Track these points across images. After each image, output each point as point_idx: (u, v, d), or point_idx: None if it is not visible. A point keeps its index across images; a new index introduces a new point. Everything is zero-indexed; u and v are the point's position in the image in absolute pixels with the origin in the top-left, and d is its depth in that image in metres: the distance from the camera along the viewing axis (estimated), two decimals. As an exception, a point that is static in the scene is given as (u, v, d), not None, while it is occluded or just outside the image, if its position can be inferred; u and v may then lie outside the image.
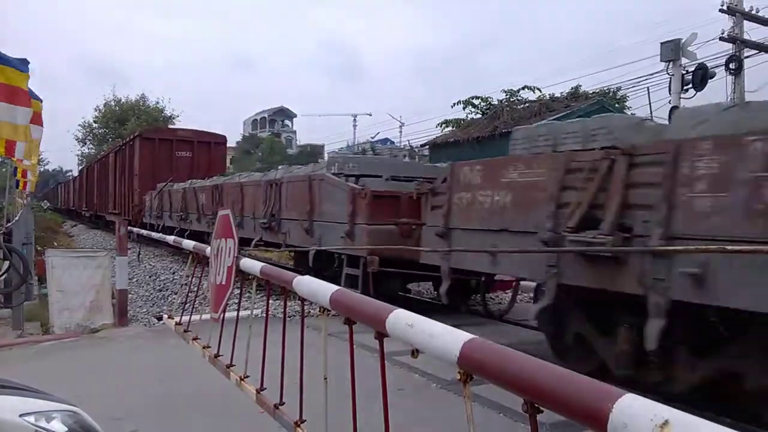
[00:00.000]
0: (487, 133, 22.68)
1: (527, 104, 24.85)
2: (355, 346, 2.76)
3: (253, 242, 11.54)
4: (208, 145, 23.87)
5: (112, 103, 52.37)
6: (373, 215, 9.10)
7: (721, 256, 4.30)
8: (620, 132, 6.01)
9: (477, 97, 28.27)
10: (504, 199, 6.70)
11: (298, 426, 3.13)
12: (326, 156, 56.57)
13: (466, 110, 28.59)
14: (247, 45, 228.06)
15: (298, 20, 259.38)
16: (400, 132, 59.84)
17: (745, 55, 19.63)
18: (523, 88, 26.81)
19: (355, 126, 73.25)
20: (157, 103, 53.06)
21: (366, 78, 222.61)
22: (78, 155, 56.06)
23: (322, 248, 9.76)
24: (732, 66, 19.08)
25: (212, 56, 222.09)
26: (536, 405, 1.45)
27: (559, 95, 25.79)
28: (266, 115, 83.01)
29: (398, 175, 10.48)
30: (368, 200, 9.08)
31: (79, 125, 53.14)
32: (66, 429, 2.19)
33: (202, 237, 13.57)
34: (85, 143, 53.95)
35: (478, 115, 27.66)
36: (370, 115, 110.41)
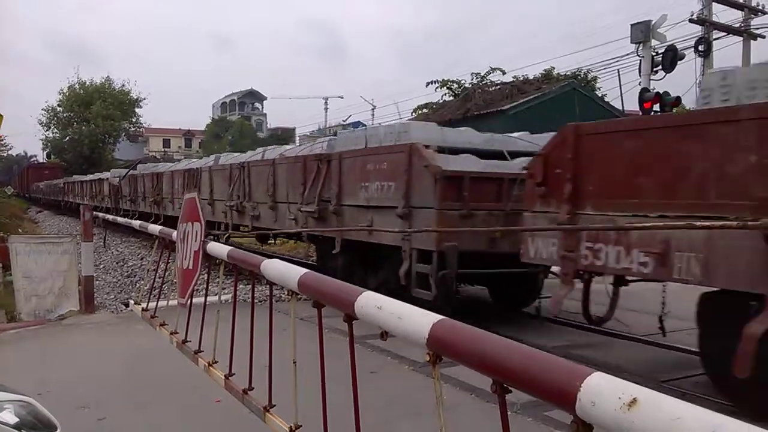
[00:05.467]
0: (460, 115, 22.67)
1: (499, 86, 24.87)
2: (326, 330, 2.73)
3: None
4: (54, 168, 51.28)
5: (77, 86, 51.21)
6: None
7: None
8: None
9: (452, 81, 28.28)
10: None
11: (268, 411, 3.09)
12: (297, 139, 56.15)
13: (440, 91, 28.63)
14: (222, 26, 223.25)
15: (279, 1, 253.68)
16: (372, 115, 59.54)
17: (714, 37, 19.86)
18: (489, 72, 26.88)
19: (326, 109, 72.81)
20: (123, 86, 52.11)
21: (344, 60, 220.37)
22: (42, 140, 54.88)
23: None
24: (701, 48, 19.30)
25: (188, 37, 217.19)
26: (505, 385, 1.43)
27: (532, 77, 25.86)
28: (235, 98, 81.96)
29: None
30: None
31: (43, 109, 51.93)
32: (17, 420, 2.12)
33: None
34: (50, 127, 52.71)
35: (451, 98, 27.65)
36: (342, 97, 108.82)
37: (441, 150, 8.09)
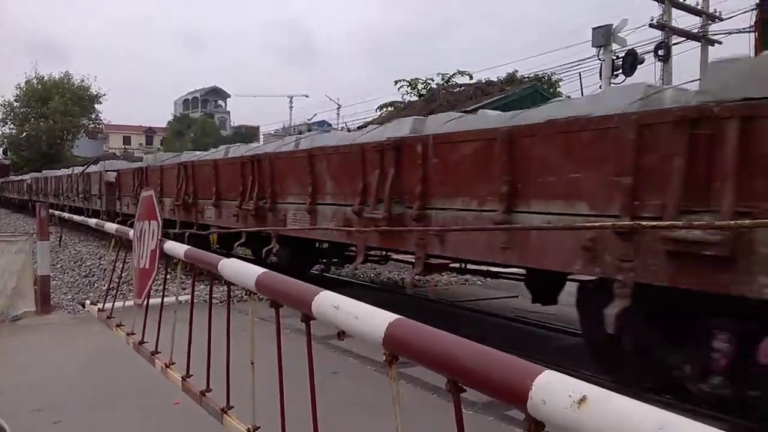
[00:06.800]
0: (424, 115, 22.73)
1: (463, 88, 25.06)
2: (287, 330, 2.70)
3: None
4: (4, 167, 50.07)
5: (34, 81, 49.94)
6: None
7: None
8: None
9: (417, 79, 28.53)
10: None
11: (225, 413, 3.05)
12: (261, 138, 55.70)
13: (401, 90, 28.82)
14: (190, 23, 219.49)
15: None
16: (338, 114, 59.43)
17: (673, 42, 20.30)
18: (455, 74, 27.18)
19: (291, 107, 72.59)
20: (83, 81, 50.99)
21: (313, 60, 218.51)
22: (-2, 136, 53.33)
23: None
24: (660, 53, 19.71)
25: (150, 33, 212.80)
26: (459, 383, 1.42)
27: (495, 79, 26.11)
28: (198, 95, 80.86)
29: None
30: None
31: (-1, 104, 50.50)
32: None
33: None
34: (6, 123, 51.29)
35: (415, 98, 27.82)
36: (307, 96, 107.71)
37: None
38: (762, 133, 3.81)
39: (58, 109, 47.47)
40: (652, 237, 4.23)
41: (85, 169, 21.55)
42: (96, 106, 52.07)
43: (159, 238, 3.92)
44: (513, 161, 5.28)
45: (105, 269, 10.84)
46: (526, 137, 5.27)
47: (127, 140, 76.77)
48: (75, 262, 14.95)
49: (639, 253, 4.35)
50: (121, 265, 5.43)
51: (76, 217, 10.67)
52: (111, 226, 5.85)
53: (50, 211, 10.39)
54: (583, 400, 1.08)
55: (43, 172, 32.51)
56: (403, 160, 6.58)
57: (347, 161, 7.52)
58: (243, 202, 9.69)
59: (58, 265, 14.13)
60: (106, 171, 18.11)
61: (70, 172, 24.22)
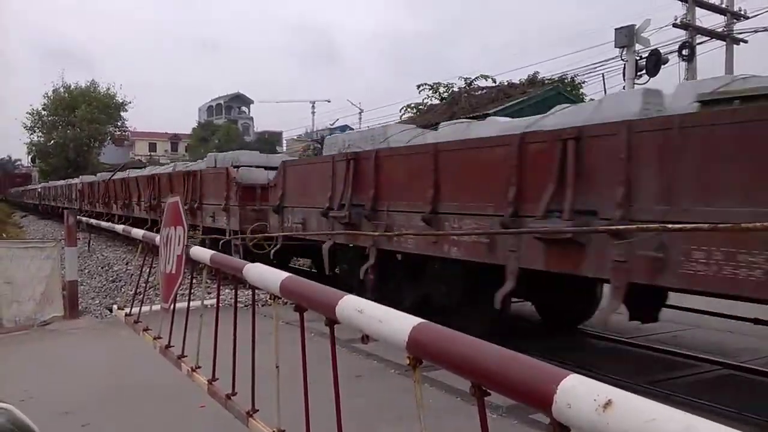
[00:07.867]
0: (445, 119, 22.67)
1: (485, 90, 24.97)
2: (311, 334, 2.71)
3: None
4: (25, 176, 67.07)
5: (62, 89, 50.77)
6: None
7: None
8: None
9: (439, 83, 28.51)
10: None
11: (251, 416, 3.07)
12: (284, 143, 56.00)
13: (422, 94, 28.81)
14: (213, 30, 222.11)
15: (266, 3, 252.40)
16: (360, 118, 59.49)
17: (697, 41, 20.05)
18: (478, 78, 27.09)
19: (313, 113, 72.60)
20: (108, 89, 51.69)
21: (334, 64, 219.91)
22: (27, 144, 54.26)
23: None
24: (684, 52, 19.48)
25: (175, 40, 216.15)
26: (483, 387, 1.42)
27: (517, 81, 25.98)
28: (222, 102, 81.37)
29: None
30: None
31: (28, 113, 51.33)
32: None
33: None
34: (34, 131, 52.15)
35: (437, 101, 27.80)
36: (329, 101, 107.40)
37: None
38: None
39: (85, 117, 48.18)
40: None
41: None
42: (122, 113, 52.79)
43: (185, 243, 3.96)
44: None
45: (132, 274, 10.98)
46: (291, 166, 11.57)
47: (152, 147, 77.64)
48: (102, 268, 15.19)
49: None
50: (147, 270, 5.49)
51: (104, 224, 10.82)
52: (138, 232, 5.92)
53: (78, 217, 10.55)
54: (608, 404, 1.07)
55: (49, 182, 40.25)
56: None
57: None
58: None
59: (86, 270, 14.38)
60: (80, 182, 27.34)
61: (65, 182, 33.00)
